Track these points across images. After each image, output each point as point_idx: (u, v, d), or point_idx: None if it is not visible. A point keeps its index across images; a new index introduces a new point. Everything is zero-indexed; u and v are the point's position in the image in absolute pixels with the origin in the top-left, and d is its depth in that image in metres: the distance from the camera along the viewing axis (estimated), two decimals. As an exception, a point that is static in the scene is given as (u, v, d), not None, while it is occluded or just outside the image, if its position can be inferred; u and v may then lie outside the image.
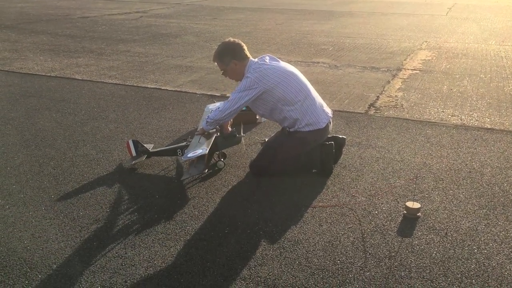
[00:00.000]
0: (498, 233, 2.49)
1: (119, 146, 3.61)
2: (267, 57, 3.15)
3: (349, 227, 2.54)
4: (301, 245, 2.38)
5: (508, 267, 2.21)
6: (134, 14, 12.13)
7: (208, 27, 10.08)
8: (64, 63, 6.50)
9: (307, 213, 2.68)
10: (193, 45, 7.91)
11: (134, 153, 3.17)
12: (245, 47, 3.14)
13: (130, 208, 2.71)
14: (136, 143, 3.17)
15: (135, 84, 5.44)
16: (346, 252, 2.32)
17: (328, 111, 3.23)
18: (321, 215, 2.66)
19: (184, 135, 3.88)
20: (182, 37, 8.71)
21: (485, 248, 2.35)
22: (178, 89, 5.16)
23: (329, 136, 3.30)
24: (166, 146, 3.24)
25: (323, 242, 2.40)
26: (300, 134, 3.11)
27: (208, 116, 3.16)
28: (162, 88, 5.28)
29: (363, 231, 2.50)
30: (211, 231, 2.50)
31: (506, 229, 2.52)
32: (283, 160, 3.15)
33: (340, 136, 3.33)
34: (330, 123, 3.21)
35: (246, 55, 3.12)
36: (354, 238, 2.44)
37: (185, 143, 3.23)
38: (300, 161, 3.19)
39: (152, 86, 5.34)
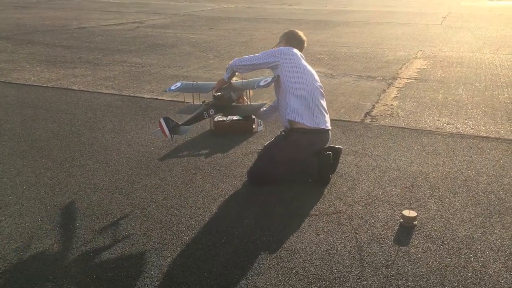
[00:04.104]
0: (495, 241, 2.49)
1: (115, 157, 3.61)
2: (300, 55, 3.32)
3: (346, 236, 2.54)
4: (298, 254, 2.38)
5: (504, 275, 2.22)
6: (130, 25, 12.18)
7: (205, 37, 10.12)
8: (60, 74, 6.52)
9: (304, 222, 2.68)
10: (189, 55, 7.94)
11: (167, 133, 3.03)
12: (301, 43, 3.48)
13: (126, 218, 2.71)
14: (167, 120, 3.05)
15: (131, 94, 5.45)
16: (343, 261, 2.32)
17: (328, 124, 3.24)
18: (318, 224, 2.66)
19: (181, 145, 3.89)
20: (178, 47, 8.74)
21: (482, 256, 2.36)
22: (175, 99, 5.17)
23: (325, 146, 3.31)
24: (191, 115, 3.26)
25: (320, 251, 2.40)
26: (294, 137, 3.15)
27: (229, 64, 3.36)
28: (159, 98, 5.29)
29: (360, 240, 2.51)
30: (208, 240, 2.50)
31: (502, 237, 2.53)
32: (280, 165, 3.17)
33: (337, 146, 3.34)
34: (327, 133, 3.22)
35: (292, 44, 3.40)
36: (351, 247, 2.44)
37: (204, 105, 3.30)
38: (296, 169, 3.20)
39: (148, 96, 5.36)
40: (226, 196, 3.01)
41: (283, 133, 3.27)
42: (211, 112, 3.27)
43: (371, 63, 7.37)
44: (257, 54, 3.31)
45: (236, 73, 3.43)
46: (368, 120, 4.52)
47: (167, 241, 2.49)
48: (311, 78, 3.22)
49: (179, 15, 14.85)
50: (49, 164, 3.48)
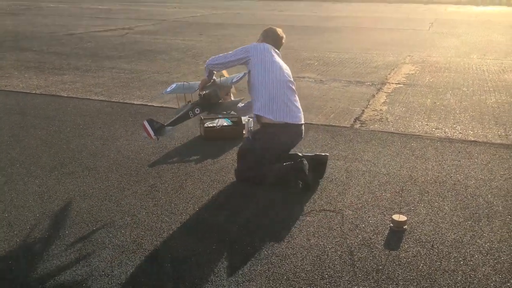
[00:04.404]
0: (483, 244, 2.52)
1: (105, 163, 3.59)
2: (272, 51, 3.36)
3: (337, 241, 2.55)
4: (289, 260, 2.38)
5: (493, 278, 2.23)
6: (119, 31, 12.15)
7: (194, 43, 10.13)
8: (49, 80, 6.47)
9: (294, 227, 2.69)
10: (179, 61, 7.94)
11: (152, 134, 3.13)
12: (278, 40, 3.49)
13: (116, 226, 2.69)
14: (151, 122, 3.14)
15: (121, 101, 5.42)
16: (334, 266, 2.33)
17: (298, 119, 3.25)
18: (308, 229, 2.66)
19: (171, 151, 3.88)
20: (168, 53, 8.74)
21: (471, 260, 2.37)
22: (165, 105, 5.17)
23: (310, 154, 3.35)
24: (176, 115, 3.36)
25: (311, 257, 2.40)
26: (259, 135, 3.25)
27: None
28: (149, 104, 5.28)
29: (350, 244, 2.51)
30: (199, 247, 2.49)
31: (491, 240, 2.55)
32: (256, 167, 3.19)
33: (323, 154, 3.36)
34: (296, 128, 3.24)
35: (268, 41, 3.44)
36: (341, 252, 2.45)
37: (190, 105, 3.38)
38: (274, 169, 3.20)
39: (138, 103, 5.34)
40: (217, 202, 3.01)
41: (250, 132, 3.30)
42: (197, 111, 3.34)
43: (360, 68, 7.42)
44: (230, 52, 3.38)
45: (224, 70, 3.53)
46: (357, 125, 4.55)
47: (157, 248, 2.48)
48: (280, 73, 3.26)
49: (169, 21, 14.84)
50: (37, 171, 3.45)
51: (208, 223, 2.75)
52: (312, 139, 4.14)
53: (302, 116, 3.33)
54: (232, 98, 3.63)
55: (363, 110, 5.04)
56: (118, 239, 2.56)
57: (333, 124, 4.56)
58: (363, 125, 4.56)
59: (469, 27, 13.65)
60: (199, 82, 3.51)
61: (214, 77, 3.53)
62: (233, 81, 3.37)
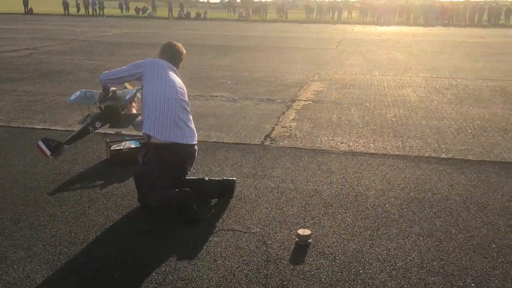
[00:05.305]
0: (381, 252, 2.64)
1: (-1, 194, 3.33)
2: (167, 68, 3.27)
3: (244, 260, 2.55)
4: (194, 283, 2.33)
5: (390, 284, 2.35)
6: (23, 51, 11.49)
7: (105, 63, 9.83)
8: None
9: (201, 249, 2.65)
10: (87, 82, 7.64)
11: (48, 153, 3.02)
12: (175, 55, 3.36)
13: (8, 261, 2.48)
14: (46, 141, 2.99)
15: (20, 126, 5.09)
16: (240, 285, 2.32)
17: (188, 138, 3.15)
18: (216, 250, 2.64)
19: (74, 176, 3.68)
20: (76, 74, 8.39)
21: (370, 268, 2.48)
22: (69, 129, 4.92)
23: (218, 178, 3.33)
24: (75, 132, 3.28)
25: (217, 278, 2.38)
26: (147, 157, 3.15)
27: None
28: (51, 128, 5.00)
29: (257, 262, 2.53)
30: (100, 277, 2.37)
31: (388, 248, 2.68)
32: (150, 187, 3.08)
33: (230, 178, 3.35)
34: (187, 148, 3.14)
35: (166, 56, 3.32)
36: (248, 270, 2.45)
37: (90, 119, 3.29)
38: (158, 196, 3.10)
39: (39, 127, 5.04)
40: (121, 228, 2.89)
41: (141, 156, 3.23)
42: (97, 125, 3.26)
43: (271, 86, 7.61)
44: (124, 67, 3.29)
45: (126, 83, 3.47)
46: (267, 142, 4.63)
47: (54, 282, 2.32)
48: (171, 91, 3.14)
49: (78, 41, 14.31)
50: None
51: (111, 251, 2.63)
52: (222, 158, 4.14)
53: (195, 136, 3.23)
54: (134, 111, 3.55)
55: (273, 127, 5.15)
56: (9, 275, 2.37)
57: (244, 142, 4.61)
58: (273, 142, 4.65)
59: (372, 46, 14.58)
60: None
61: (114, 88, 3.43)
62: (126, 98, 3.29)
